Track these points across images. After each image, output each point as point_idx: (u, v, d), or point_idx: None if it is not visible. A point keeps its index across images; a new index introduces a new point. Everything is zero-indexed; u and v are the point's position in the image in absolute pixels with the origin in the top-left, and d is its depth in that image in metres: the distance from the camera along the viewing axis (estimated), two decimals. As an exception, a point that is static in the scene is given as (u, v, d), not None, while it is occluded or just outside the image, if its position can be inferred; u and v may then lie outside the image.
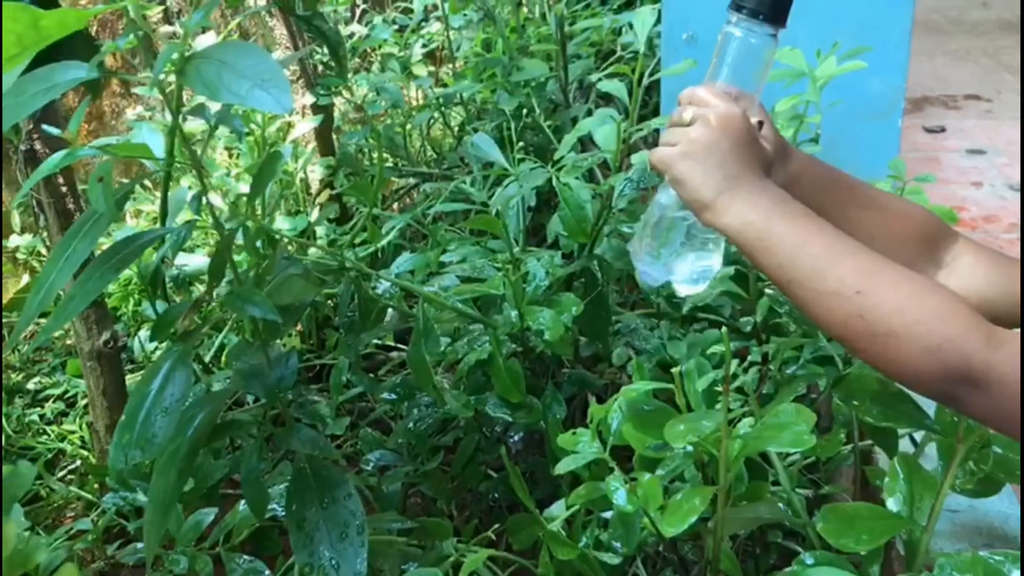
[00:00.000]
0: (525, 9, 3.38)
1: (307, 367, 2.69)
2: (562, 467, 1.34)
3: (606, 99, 2.91)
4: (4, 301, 2.83)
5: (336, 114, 3.32)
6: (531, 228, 2.48)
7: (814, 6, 2.56)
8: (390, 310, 1.86)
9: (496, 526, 1.67)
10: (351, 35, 3.50)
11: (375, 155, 3.06)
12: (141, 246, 1.23)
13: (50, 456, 2.48)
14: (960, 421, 1.24)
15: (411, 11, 3.54)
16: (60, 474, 2.43)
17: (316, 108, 3.07)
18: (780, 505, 1.45)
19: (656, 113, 2.96)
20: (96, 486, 2.22)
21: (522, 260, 1.82)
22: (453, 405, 1.74)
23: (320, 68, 3.27)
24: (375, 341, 2.50)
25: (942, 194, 3.48)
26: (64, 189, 1.83)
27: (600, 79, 2.07)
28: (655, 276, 1.12)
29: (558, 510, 1.52)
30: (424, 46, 3.53)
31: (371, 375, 2.45)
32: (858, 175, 1.13)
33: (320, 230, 2.96)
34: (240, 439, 1.81)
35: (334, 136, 3.32)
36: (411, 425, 1.89)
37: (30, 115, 1.73)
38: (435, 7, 3.40)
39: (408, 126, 3.20)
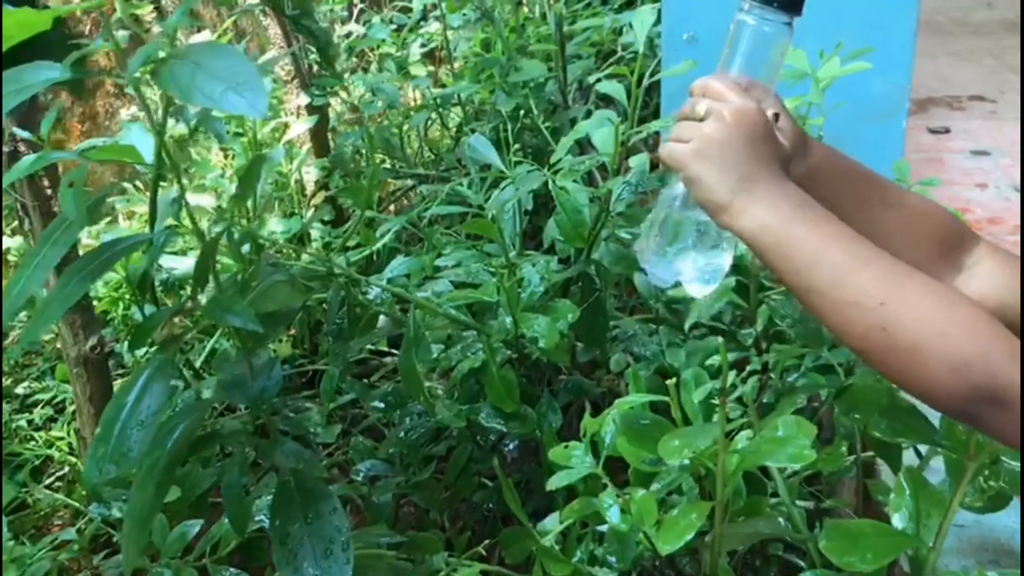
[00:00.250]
0: (525, 9, 3.34)
1: (300, 372, 2.65)
2: (554, 483, 1.30)
3: (606, 100, 2.87)
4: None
5: (332, 115, 3.28)
6: (528, 232, 2.45)
7: (818, 6, 2.50)
8: (383, 315, 1.82)
9: (488, 541, 1.63)
10: (348, 34, 3.46)
11: (371, 157, 3.02)
12: (119, 252, 1.19)
13: (37, 463, 2.44)
14: (971, 437, 1.19)
15: (409, 10, 3.50)
16: (47, 481, 2.39)
17: (311, 109, 3.03)
18: (780, 520, 1.41)
19: (656, 115, 2.92)
20: (84, 494, 2.17)
21: (517, 265, 1.78)
22: (445, 415, 1.70)
23: (316, 68, 3.23)
24: (368, 346, 2.45)
25: (946, 196, 3.43)
26: (49, 191, 1.79)
27: (599, 80, 2.03)
28: (664, 277, 1.07)
29: (552, 524, 1.48)
30: (422, 46, 3.49)
31: (364, 381, 2.41)
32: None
33: (315, 232, 2.92)
34: (231, 446, 1.77)
35: (330, 137, 3.28)
36: (403, 434, 1.85)
37: (15, 117, 1.70)
38: (434, 6, 3.36)
39: (405, 127, 3.16)
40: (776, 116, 1.00)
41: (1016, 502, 1.42)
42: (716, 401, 1.22)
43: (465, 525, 2.03)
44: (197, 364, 2.33)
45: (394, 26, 3.44)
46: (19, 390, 2.67)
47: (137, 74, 1.03)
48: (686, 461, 1.24)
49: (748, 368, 1.62)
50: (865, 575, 1.14)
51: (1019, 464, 1.20)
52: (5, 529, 1.88)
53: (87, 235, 2.82)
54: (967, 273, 1.02)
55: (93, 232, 2.88)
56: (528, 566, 1.49)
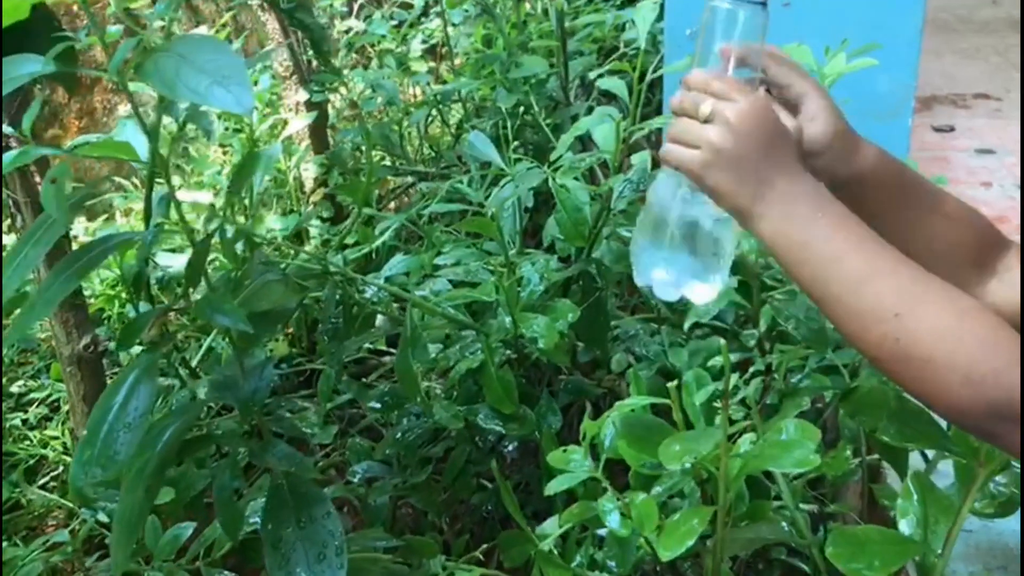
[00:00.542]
0: (527, 4, 3.31)
1: (298, 371, 2.63)
2: (553, 487, 1.28)
3: (608, 97, 2.85)
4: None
5: (331, 111, 3.26)
6: (529, 229, 2.42)
7: (824, 3, 2.49)
8: (380, 314, 1.79)
9: (486, 545, 1.60)
10: (348, 30, 3.44)
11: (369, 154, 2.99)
12: (108, 249, 1.17)
13: (32, 462, 2.41)
14: (981, 444, 1.16)
15: (410, 6, 3.47)
16: (42, 481, 2.36)
17: (310, 105, 3.00)
18: (783, 524, 1.38)
19: (659, 111, 2.89)
20: (78, 494, 2.15)
21: (517, 264, 1.76)
22: (443, 416, 1.67)
23: (315, 64, 3.21)
24: (367, 345, 2.43)
25: (952, 194, 3.40)
26: (40, 187, 1.76)
27: (600, 76, 2.00)
28: (662, 286, 1.04)
29: (551, 527, 1.45)
30: (423, 42, 3.46)
31: (362, 380, 2.38)
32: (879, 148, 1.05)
33: (313, 230, 2.90)
34: (227, 446, 1.75)
35: (329, 134, 3.26)
36: (400, 435, 1.83)
37: (7, 113, 1.68)
38: (435, 2, 3.34)
39: (405, 124, 3.13)
40: (768, 90, 0.97)
41: (1024, 507, 1.39)
42: (718, 403, 1.19)
43: (463, 527, 2.01)
44: (193, 363, 2.31)
45: (394, 22, 3.41)
46: (14, 388, 2.65)
47: (124, 69, 1.00)
48: (687, 465, 1.22)
49: (751, 369, 1.60)
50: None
51: (1028, 470, 1.18)
52: (-2, 530, 1.86)
53: (84, 232, 2.80)
54: (998, 278, 1.00)
55: (90, 230, 2.86)
56: (527, 570, 1.46)
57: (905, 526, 1.17)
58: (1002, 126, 4.11)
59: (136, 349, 2.23)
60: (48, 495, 2.24)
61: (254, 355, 1.39)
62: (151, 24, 0.98)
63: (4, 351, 2.59)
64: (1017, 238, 1.04)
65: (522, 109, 2.69)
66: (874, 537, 1.11)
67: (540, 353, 1.75)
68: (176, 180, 2.48)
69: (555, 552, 1.42)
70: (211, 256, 2.14)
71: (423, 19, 3.55)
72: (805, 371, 1.57)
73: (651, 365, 1.94)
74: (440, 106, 3.08)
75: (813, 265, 0.86)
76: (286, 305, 1.40)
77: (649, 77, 1.78)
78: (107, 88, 3.52)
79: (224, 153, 3.47)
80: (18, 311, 1.13)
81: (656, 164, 2.07)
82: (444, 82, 3.42)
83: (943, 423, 1.22)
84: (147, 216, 1.33)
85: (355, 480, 1.87)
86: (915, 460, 1.45)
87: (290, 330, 2.71)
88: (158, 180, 1.21)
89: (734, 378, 1.15)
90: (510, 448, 2.03)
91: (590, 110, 2.51)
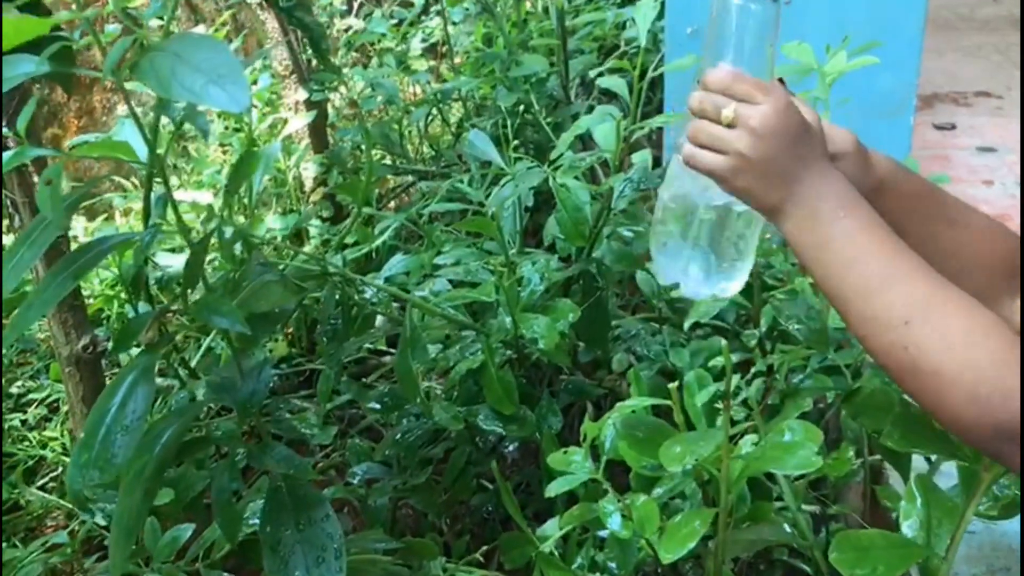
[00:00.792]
0: (527, 3, 3.30)
1: (298, 372, 2.62)
2: (553, 489, 1.27)
3: (609, 95, 2.84)
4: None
5: (331, 110, 3.25)
6: (530, 228, 2.41)
7: (824, 0, 2.48)
8: (380, 315, 1.79)
9: (486, 547, 1.60)
10: (348, 29, 3.43)
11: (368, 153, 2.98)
12: (106, 250, 1.16)
13: (31, 463, 2.41)
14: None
15: (410, 4, 3.47)
16: (41, 482, 2.35)
17: (310, 104, 2.99)
18: (785, 526, 1.37)
19: (660, 110, 2.89)
20: (77, 495, 2.14)
21: (517, 263, 1.75)
22: (442, 417, 1.66)
23: (314, 63, 3.20)
24: (367, 345, 2.42)
25: (952, 193, 3.39)
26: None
27: (601, 75, 1.99)
28: (692, 284, 1.03)
29: (552, 529, 1.44)
30: (423, 40, 3.45)
31: (362, 380, 2.37)
32: (895, 161, 1.04)
33: (313, 230, 2.89)
34: (226, 447, 1.74)
35: (329, 133, 3.25)
36: (400, 436, 1.82)
37: (5, 113, 1.67)
38: (435, 0, 3.33)
39: (405, 123, 3.12)
40: (782, 81, 0.95)
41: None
42: (720, 404, 1.19)
43: (464, 528, 2.00)
44: (192, 363, 2.30)
45: (394, 20, 3.40)
46: (13, 389, 2.64)
47: (119, 69, 0.99)
48: (689, 467, 1.21)
49: (753, 370, 1.59)
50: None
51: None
52: (-4, 531, 1.85)
53: (84, 232, 2.80)
54: None
55: (89, 230, 2.85)
56: (528, 571, 1.46)
57: (908, 528, 1.16)
58: (1003, 124, 4.10)
59: (135, 350, 2.23)
60: (47, 496, 2.23)
61: (253, 356, 1.38)
62: (148, 23, 0.97)
63: (3, 351, 2.58)
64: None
65: (522, 108, 2.68)
66: (878, 542, 1.10)
67: (540, 353, 1.74)
68: (175, 180, 2.47)
69: (556, 553, 1.41)
70: (210, 256, 2.13)
71: (423, 17, 3.54)
72: (807, 371, 1.56)
73: (652, 365, 1.93)
74: (440, 105, 3.07)
75: (828, 265, 0.86)
76: (285, 306, 1.39)
77: (650, 76, 1.77)
78: (106, 87, 3.51)
79: (224, 152, 3.47)
80: (16, 311, 1.12)
81: (656, 163, 2.07)
82: (444, 81, 3.41)
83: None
84: (146, 216, 1.32)
85: (355, 481, 1.86)
86: (918, 461, 1.44)
87: (289, 330, 2.70)
88: (156, 180, 1.20)
89: (735, 378, 1.15)
90: (510, 449, 2.02)
91: (591, 109, 2.50)
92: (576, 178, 1.77)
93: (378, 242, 2.42)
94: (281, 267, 1.48)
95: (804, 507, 1.48)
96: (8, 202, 1.79)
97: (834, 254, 0.85)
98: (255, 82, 3.02)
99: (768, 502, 1.37)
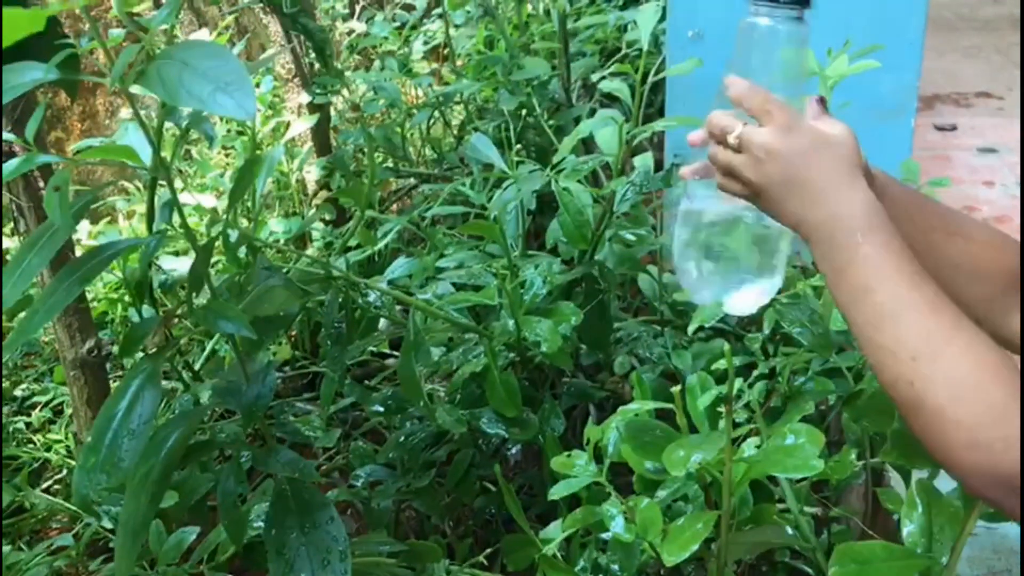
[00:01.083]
0: (528, 6, 3.30)
1: (301, 374, 2.63)
2: (557, 492, 1.27)
3: (610, 98, 2.84)
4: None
5: (333, 113, 3.26)
6: (532, 231, 2.42)
7: (826, 4, 2.47)
8: (383, 318, 1.79)
9: (489, 549, 1.60)
10: (350, 32, 3.43)
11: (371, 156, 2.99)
12: (112, 255, 1.17)
13: (35, 466, 2.41)
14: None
15: (412, 7, 3.47)
16: (45, 484, 2.36)
17: (312, 107, 3.00)
18: (787, 528, 1.38)
19: (661, 113, 2.89)
20: (81, 498, 2.14)
21: (519, 267, 1.75)
22: (445, 420, 1.67)
23: (317, 66, 3.20)
24: (370, 348, 2.43)
25: (953, 194, 3.39)
26: (44, 193, 1.77)
27: (602, 78, 2.00)
28: (735, 303, 1.03)
29: (555, 531, 1.45)
30: (425, 43, 3.46)
31: (365, 383, 2.38)
32: (885, 172, 1.04)
33: (316, 233, 2.90)
34: (231, 451, 1.75)
35: (331, 136, 3.25)
36: (403, 439, 1.83)
37: (9, 118, 1.68)
38: (436, 3, 3.33)
39: (407, 126, 3.13)
40: (822, 100, 0.94)
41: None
42: (722, 407, 1.19)
43: (467, 531, 2.00)
44: (196, 366, 2.31)
45: (396, 24, 3.41)
46: (17, 392, 2.65)
47: (125, 76, 1.00)
48: (692, 469, 1.22)
49: (755, 373, 1.59)
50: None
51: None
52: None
53: (87, 235, 2.80)
54: None
55: (93, 232, 2.86)
56: (531, 574, 1.46)
57: (909, 534, 1.17)
58: (1004, 125, 4.11)
59: (141, 354, 2.24)
60: (52, 499, 2.24)
61: (257, 359, 1.39)
62: (153, 29, 0.97)
63: (7, 355, 2.59)
64: (1018, 237, 1.02)
65: (524, 111, 2.68)
66: (878, 554, 1.10)
67: (543, 356, 1.75)
68: (178, 183, 2.47)
69: (559, 556, 1.42)
70: (213, 259, 2.14)
71: (425, 21, 3.54)
72: (809, 374, 1.56)
73: (654, 368, 1.94)
74: (442, 108, 3.08)
75: (844, 291, 0.85)
76: (289, 310, 1.40)
77: (651, 79, 1.77)
78: (109, 88, 3.52)
79: (226, 156, 3.47)
80: (22, 314, 1.12)
81: (658, 166, 2.07)
82: (446, 84, 3.41)
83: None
84: (150, 221, 1.33)
85: (358, 484, 1.86)
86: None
87: (293, 333, 2.71)
88: (161, 183, 1.21)
89: (738, 381, 1.15)
90: (513, 451, 2.02)
91: (592, 112, 2.51)
92: (578, 181, 1.77)
93: (381, 245, 2.43)
94: (285, 270, 1.49)
95: (806, 509, 1.48)
96: (13, 206, 1.80)
97: (850, 281, 0.84)
98: (258, 85, 3.03)
99: (770, 504, 1.37)
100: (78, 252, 2.02)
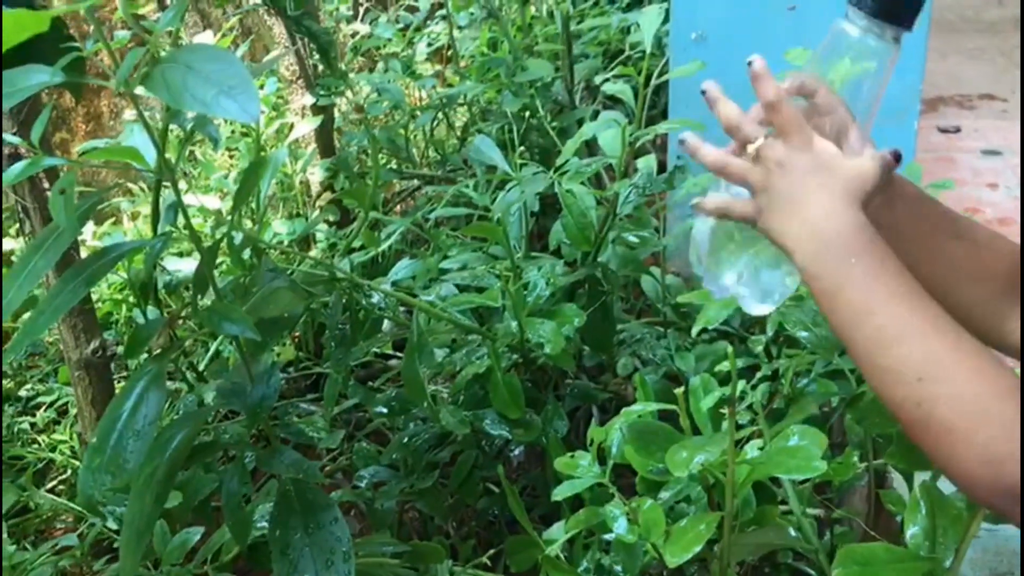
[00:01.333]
0: (532, 8, 3.31)
1: (305, 376, 2.63)
2: (560, 493, 1.28)
3: (614, 100, 2.85)
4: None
5: (337, 115, 3.26)
6: (535, 233, 2.42)
7: (830, 5, 2.48)
8: (386, 319, 1.80)
9: (492, 550, 1.60)
10: (354, 34, 3.44)
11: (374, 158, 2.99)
12: (117, 257, 1.17)
13: (40, 466, 2.42)
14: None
15: (416, 9, 3.48)
16: (50, 484, 2.37)
17: (316, 109, 3.01)
18: (790, 530, 1.38)
19: (664, 115, 2.89)
20: (86, 499, 2.15)
21: (523, 268, 1.76)
22: (449, 421, 1.67)
23: (320, 68, 3.21)
24: (373, 349, 2.43)
25: (957, 196, 3.39)
26: (49, 194, 1.77)
27: (606, 80, 2.00)
28: (725, 289, 1.02)
29: (558, 532, 1.45)
30: (428, 45, 3.46)
31: (368, 384, 2.38)
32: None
33: (319, 234, 2.90)
34: (235, 451, 1.75)
35: (335, 137, 3.26)
36: (406, 440, 1.83)
37: (14, 120, 1.68)
38: (440, 5, 3.34)
39: (411, 127, 3.13)
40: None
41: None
42: (725, 408, 1.19)
43: (470, 532, 2.01)
44: (201, 367, 2.31)
45: (400, 25, 3.41)
46: (22, 392, 2.66)
47: (130, 78, 1.00)
48: (695, 471, 1.22)
49: (758, 374, 1.60)
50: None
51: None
52: (5, 535, 1.86)
53: (91, 236, 2.81)
54: None
55: (97, 233, 2.86)
56: (534, 575, 1.47)
57: (912, 536, 1.17)
58: (1008, 127, 4.10)
59: (144, 355, 2.24)
60: (56, 499, 2.24)
61: (261, 361, 1.39)
62: (158, 31, 0.98)
63: (12, 356, 2.59)
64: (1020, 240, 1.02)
65: (528, 113, 2.69)
66: (881, 555, 1.10)
67: (546, 358, 1.75)
68: (183, 184, 2.48)
69: (562, 557, 1.42)
70: (218, 260, 2.14)
71: (428, 22, 3.55)
72: (812, 376, 1.56)
73: (657, 369, 1.94)
74: (445, 109, 3.08)
75: (841, 314, 0.84)
76: (293, 311, 1.40)
77: (655, 81, 1.78)
78: (114, 92, 3.53)
79: (230, 157, 3.48)
80: (27, 315, 1.13)
81: (661, 168, 2.07)
82: (450, 85, 3.42)
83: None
84: (154, 223, 1.34)
85: (362, 484, 1.87)
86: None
87: (296, 335, 2.71)
88: (165, 185, 1.21)
89: (741, 383, 1.15)
90: (516, 453, 2.03)
91: (596, 114, 2.52)
92: (582, 183, 1.78)
93: (384, 247, 2.43)
94: (289, 272, 1.49)
95: (809, 511, 1.48)
96: (19, 207, 1.81)
97: (845, 304, 0.83)
98: (261, 87, 3.04)
99: (773, 506, 1.38)
100: (83, 253, 2.03)
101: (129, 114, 3.25)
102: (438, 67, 3.66)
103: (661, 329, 2.07)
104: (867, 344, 0.82)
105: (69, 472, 2.39)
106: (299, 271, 1.57)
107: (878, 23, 0.89)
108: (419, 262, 1.99)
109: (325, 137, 3.19)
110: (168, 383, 2.13)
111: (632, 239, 1.89)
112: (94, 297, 2.53)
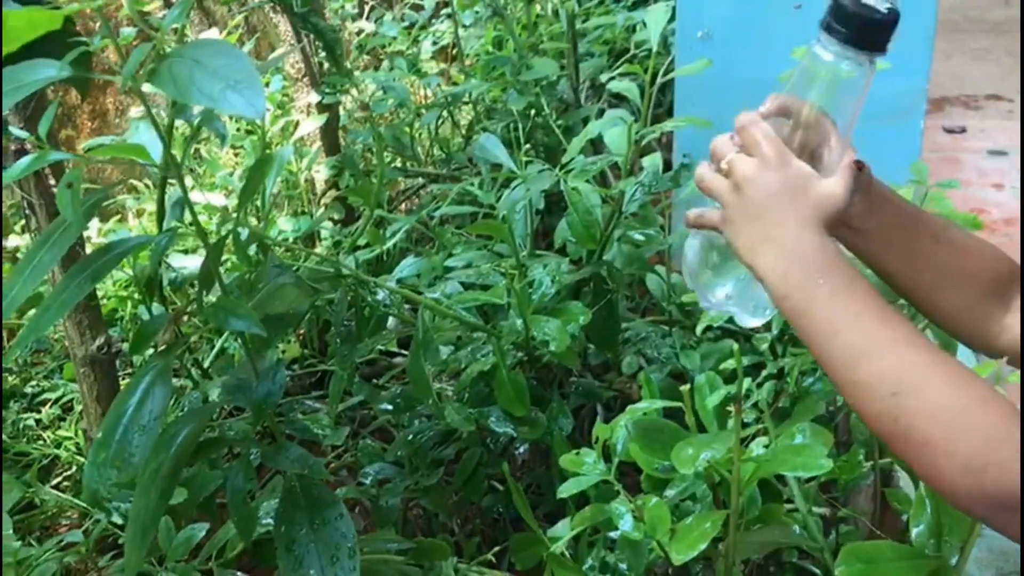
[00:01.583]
0: (537, 6, 3.31)
1: (310, 372, 2.63)
2: (565, 490, 1.28)
3: (619, 98, 2.84)
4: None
5: (342, 113, 3.26)
6: (540, 231, 2.42)
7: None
8: (392, 316, 1.80)
9: (497, 547, 1.61)
10: (359, 32, 3.44)
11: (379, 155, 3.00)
12: (123, 253, 1.17)
13: (45, 462, 2.42)
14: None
15: (421, 7, 3.48)
16: (55, 481, 2.37)
17: (321, 107, 3.01)
18: (795, 528, 1.38)
19: (670, 113, 2.89)
20: (91, 495, 2.15)
21: (528, 266, 1.76)
22: (454, 419, 1.67)
23: (326, 66, 3.21)
24: (379, 346, 2.43)
25: (962, 196, 3.38)
26: (55, 190, 1.77)
27: (611, 78, 2.00)
28: (717, 304, 1.02)
29: (563, 530, 1.45)
30: (434, 43, 3.46)
31: (373, 381, 2.38)
32: (879, 178, 1.04)
33: (324, 232, 2.90)
34: (240, 448, 1.76)
35: (340, 135, 3.26)
36: (411, 437, 1.83)
37: (21, 115, 1.69)
38: (445, 3, 3.34)
39: (416, 125, 3.13)
40: (859, 165, 0.92)
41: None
42: (731, 407, 1.20)
43: (474, 529, 2.01)
44: (206, 364, 2.31)
45: (405, 23, 3.41)
46: (27, 389, 2.66)
47: (137, 75, 1.01)
48: (700, 469, 1.22)
49: (763, 373, 1.60)
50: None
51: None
52: (10, 530, 1.86)
53: (96, 233, 2.81)
54: (1014, 313, 0.96)
55: (103, 230, 2.87)
56: (539, 572, 1.47)
57: (917, 535, 1.17)
58: (1014, 127, 4.09)
59: (148, 352, 2.24)
60: (61, 495, 2.24)
61: (266, 357, 1.39)
62: (164, 28, 0.98)
63: (18, 352, 2.60)
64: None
65: (533, 111, 2.68)
66: (885, 553, 1.10)
67: (551, 356, 1.75)
68: (188, 181, 2.48)
69: (567, 554, 1.42)
70: (224, 257, 2.14)
71: (434, 21, 3.55)
72: (817, 375, 1.57)
73: (663, 368, 1.94)
74: (451, 108, 3.08)
75: (811, 334, 0.84)
76: (299, 308, 1.41)
77: (660, 79, 1.78)
78: (120, 89, 3.53)
79: (236, 155, 3.48)
80: (33, 313, 1.13)
81: (667, 167, 2.07)
82: (455, 84, 3.42)
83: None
84: (160, 219, 1.34)
85: (367, 481, 1.87)
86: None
87: (301, 332, 2.71)
88: (171, 182, 1.21)
89: (746, 381, 1.15)
90: (521, 450, 2.03)
91: (601, 112, 2.51)
92: (587, 181, 1.78)
93: (389, 244, 2.43)
94: (295, 269, 1.49)
95: (814, 509, 1.48)
96: (24, 203, 1.81)
97: (815, 324, 0.83)
98: (267, 84, 3.04)
99: (779, 504, 1.38)
100: (88, 250, 2.04)
101: (135, 111, 3.25)
102: (443, 65, 3.66)
103: (666, 327, 2.07)
104: (839, 361, 0.82)
105: (74, 468, 2.39)
106: (304, 268, 1.57)
107: (851, 49, 0.89)
108: (424, 260, 1.99)
109: (330, 135, 3.19)
110: (173, 379, 2.14)
111: (637, 237, 1.89)
112: (99, 293, 2.53)
